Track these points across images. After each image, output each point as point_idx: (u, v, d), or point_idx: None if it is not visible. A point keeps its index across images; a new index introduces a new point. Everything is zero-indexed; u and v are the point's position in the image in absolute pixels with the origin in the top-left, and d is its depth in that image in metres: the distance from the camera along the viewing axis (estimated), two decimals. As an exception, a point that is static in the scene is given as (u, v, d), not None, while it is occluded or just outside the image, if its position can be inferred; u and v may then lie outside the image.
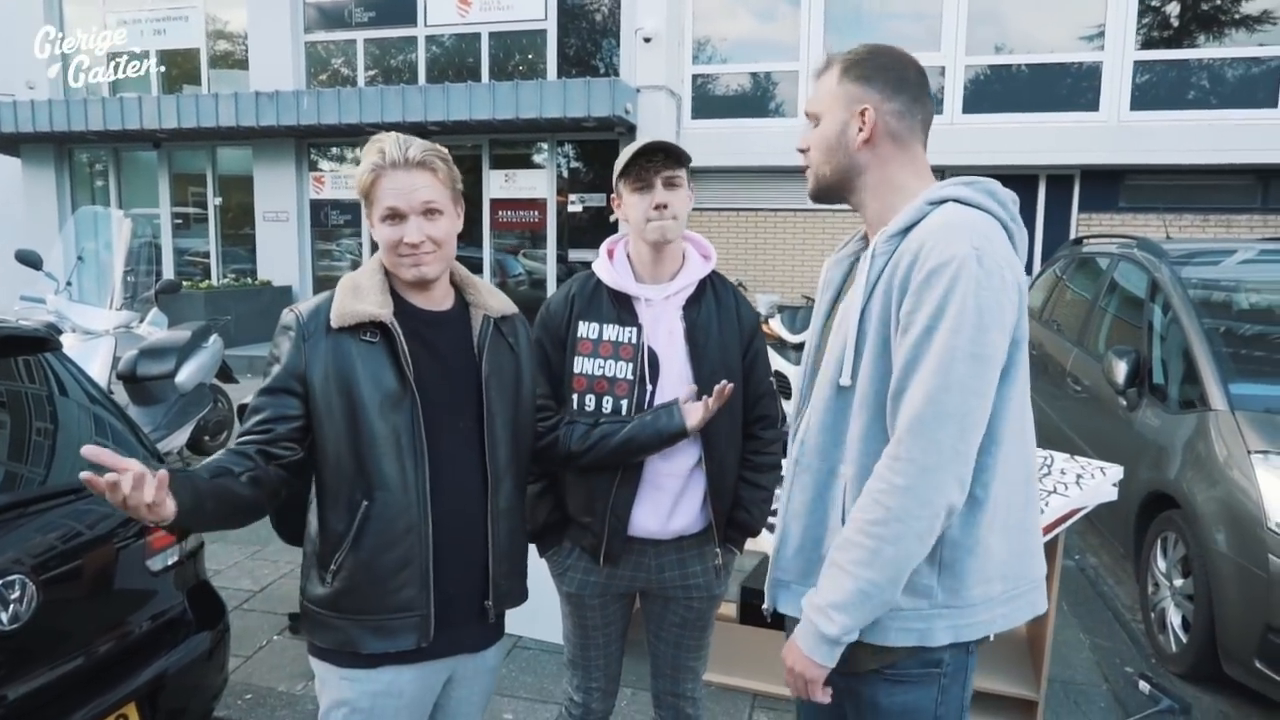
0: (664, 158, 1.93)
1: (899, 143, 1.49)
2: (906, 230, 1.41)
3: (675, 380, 1.98)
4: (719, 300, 2.04)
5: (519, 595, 1.82)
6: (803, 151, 1.58)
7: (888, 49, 1.53)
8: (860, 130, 1.48)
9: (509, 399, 1.75)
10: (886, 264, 1.41)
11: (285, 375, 1.60)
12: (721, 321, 2.02)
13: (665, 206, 1.93)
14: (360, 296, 1.63)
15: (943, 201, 1.41)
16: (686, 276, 2.02)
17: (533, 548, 2.04)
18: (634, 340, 1.97)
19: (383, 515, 1.60)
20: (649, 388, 1.97)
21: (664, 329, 1.99)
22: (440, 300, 1.73)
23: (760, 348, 2.10)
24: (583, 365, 1.99)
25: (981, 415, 1.31)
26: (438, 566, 1.64)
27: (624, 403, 1.96)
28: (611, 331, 1.99)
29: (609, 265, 2.04)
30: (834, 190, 1.55)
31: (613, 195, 2.05)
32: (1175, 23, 10.19)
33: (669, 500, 2.00)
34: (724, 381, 1.87)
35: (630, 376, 1.96)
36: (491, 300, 1.79)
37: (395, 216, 1.59)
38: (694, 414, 1.88)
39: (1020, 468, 1.41)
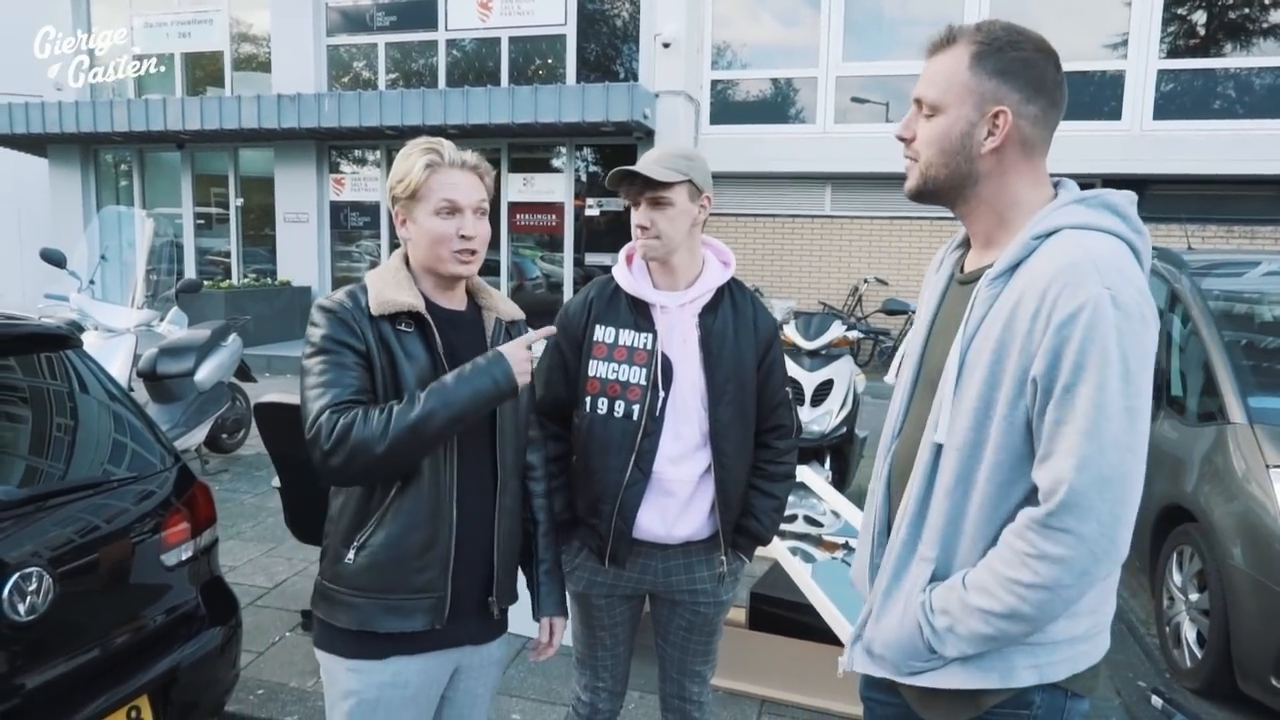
0: (642, 182, 1.91)
1: (1027, 152, 1.32)
2: (1013, 268, 1.27)
3: (689, 386, 1.98)
4: (736, 308, 2.05)
5: (514, 593, 1.87)
6: (905, 140, 1.40)
7: (1031, 36, 1.31)
8: (990, 136, 1.30)
9: (515, 401, 1.79)
10: (990, 310, 1.27)
11: (353, 355, 1.62)
12: (738, 329, 2.02)
13: (646, 228, 1.93)
14: (395, 288, 1.68)
15: (1052, 232, 1.25)
16: (704, 284, 2.02)
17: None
18: (648, 346, 1.98)
19: (415, 496, 1.65)
20: (661, 394, 1.98)
21: (679, 335, 2.00)
22: (459, 301, 1.80)
23: (777, 357, 2.10)
24: (597, 369, 2.00)
25: (1139, 474, 1.17)
26: (459, 552, 1.69)
27: (636, 407, 1.97)
28: (627, 336, 2.00)
29: (627, 271, 2.05)
30: (941, 195, 1.39)
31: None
32: (1201, 32, 10.10)
33: (677, 506, 2.00)
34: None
35: (643, 382, 1.97)
36: (502, 305, 1.86)
37: (452, 210, 1.66)
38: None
39: None
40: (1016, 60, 1.29)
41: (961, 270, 1.46)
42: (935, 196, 1.40)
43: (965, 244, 1.49)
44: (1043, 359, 1.19)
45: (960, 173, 1.34)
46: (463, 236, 1.66)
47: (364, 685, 1.68)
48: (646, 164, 1.92)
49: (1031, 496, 1.25)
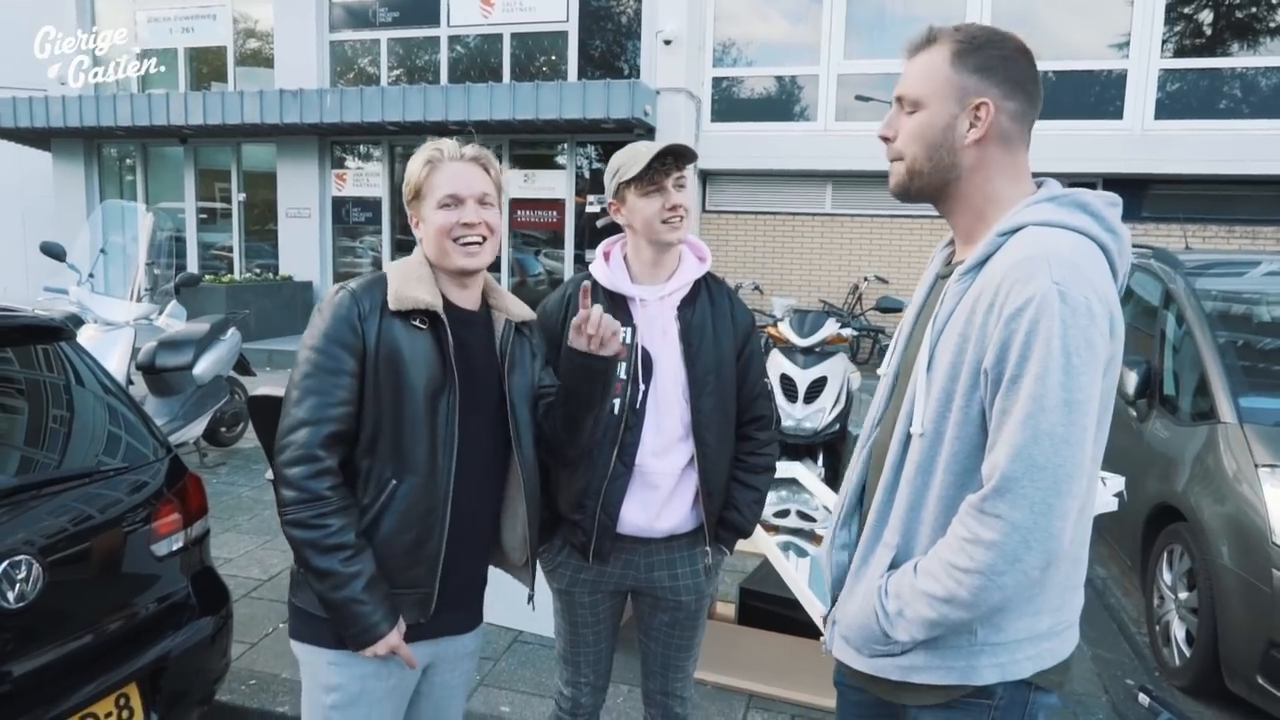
0: (675, 160, 1.96)
1: (1007, 147, 1.35)
2: (981, 264, 1.31)
3: (669, 379, 2.00)
4: (713, 301, 2.07)
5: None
6: (887, 140, 1.43)
7: (1006, 36, 1.37)
8: (973, 127, 1.33)
9: (529, 399, 1.84)
10: (958, 304, 1.32)
11: (347, 358, 1.64)
12: (716, 322, 2.04)
13: (678, 207, 1.97)
14: (416, 284, 1.70)
15: (1017, 229, 1.29)
16: (681, 277, 2.04)
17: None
18: (628, 340, 2.00)
19: (408, 496, 1.66)
20: (642, 387, 1.99)
21: (658, 329, 2.02)
22: (473, 300, 1.81)
23: (755, 349, 2.12)
24: None
25: (1076, 465, 1.19)
26: (449, 551, 1.70)
27: (616, 401, 1.98)
28: None
29: (605, 267, 2.07)
30: (926, 191, 1.41)
31: (610, 201, 2.06)
32: (1208, 31, 10.08)
33: (660, 499, 2.02)
34: None
35: (624, 376, 1.98)
36: (513, 306, 1.88)
37: (453, 201, 1.69)
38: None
39: (1086, 499, 1.30)
40: (996, 57, 1.33)
41: (947, 265, 1.49)
42: (920, 193, 1.43)
43: (951, 245, 1.52)
44: (992, 351, 1.23)
45: (943, 166, 1.37)
46: (464, 225, 1.68)
47: (347, 678, 1.69)
48: (671, 147, 1.97)
49: None
